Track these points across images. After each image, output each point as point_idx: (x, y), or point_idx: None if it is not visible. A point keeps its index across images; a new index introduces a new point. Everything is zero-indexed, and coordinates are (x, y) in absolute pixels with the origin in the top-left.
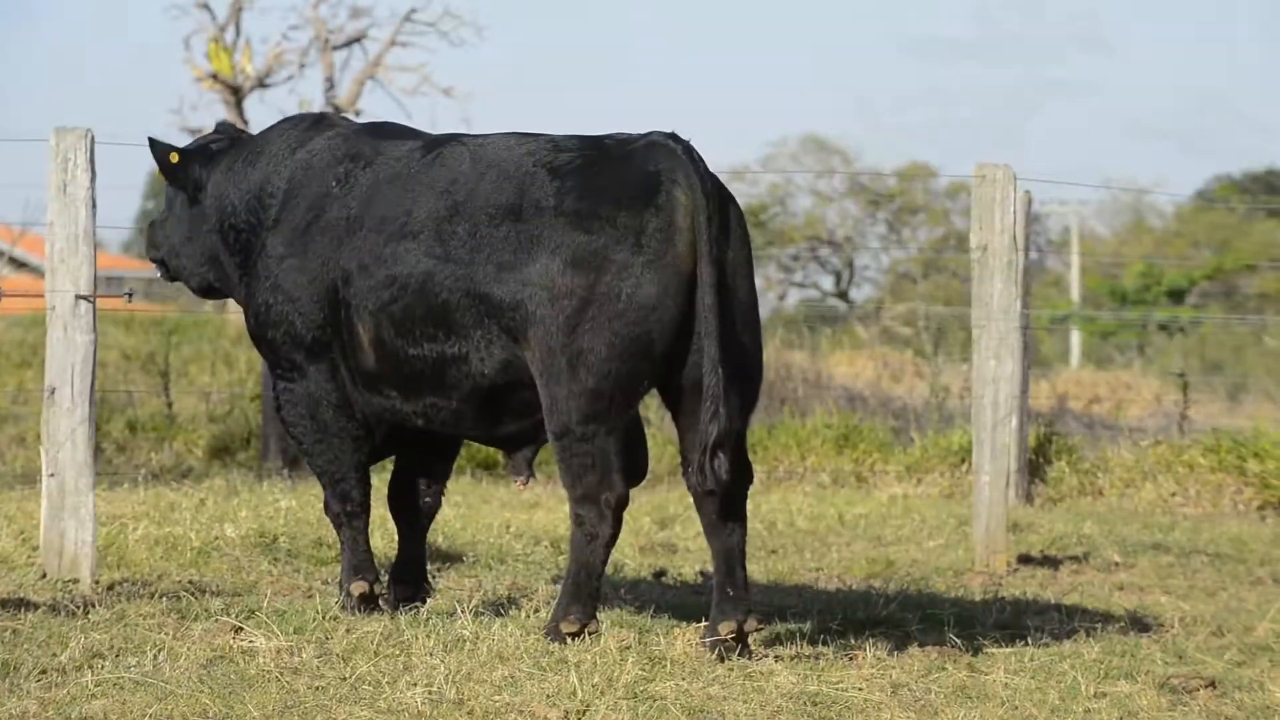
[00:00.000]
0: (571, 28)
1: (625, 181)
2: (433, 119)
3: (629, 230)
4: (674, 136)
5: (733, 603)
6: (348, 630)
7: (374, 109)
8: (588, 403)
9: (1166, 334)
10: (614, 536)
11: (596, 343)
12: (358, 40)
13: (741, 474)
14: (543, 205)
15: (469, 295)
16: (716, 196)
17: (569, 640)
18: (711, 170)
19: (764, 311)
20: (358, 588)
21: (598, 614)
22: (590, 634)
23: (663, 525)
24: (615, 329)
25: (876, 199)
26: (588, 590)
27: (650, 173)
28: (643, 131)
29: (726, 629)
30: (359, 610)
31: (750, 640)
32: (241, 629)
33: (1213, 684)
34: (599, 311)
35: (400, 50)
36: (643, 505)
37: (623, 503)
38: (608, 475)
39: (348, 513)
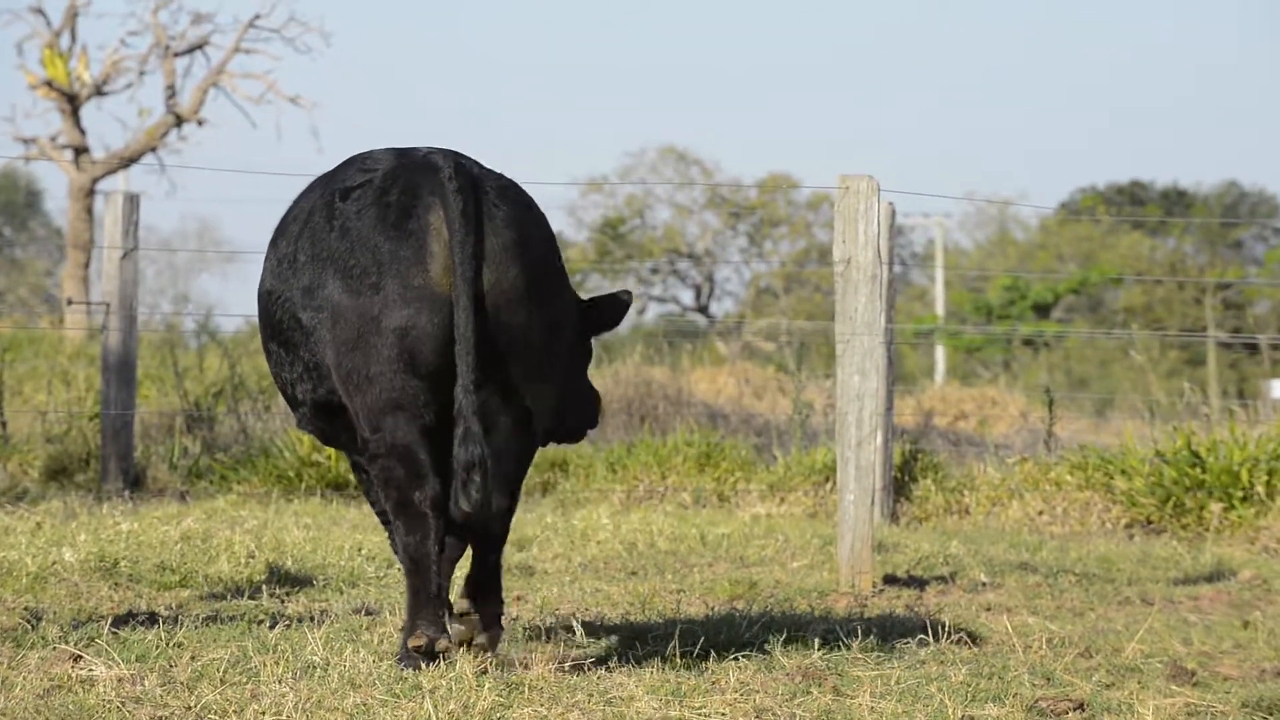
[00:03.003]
0: (423, 33)
1: (385, 205)
2: (278, 128)
3: (384, 254)
4: (444, 154)
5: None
6: (192, 658)
7: (218, 117)
8: (372, 419)
9: (1032, 349)
10: (438, 534)
11: (365, 363)
12: (200, 47)
13: (499, 508)
14: (331, 227)
15: (293, 318)
16: (474, 220)
17: (421, 663)
18: (492, 187)
19: (623, 326)
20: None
21: (448, 629)
22: (441, 650)
23: (520, 547)
24: (379, 352)
25: (737, 211)
26: (426, 599)
27: (409, 196)
28: (427, 148)
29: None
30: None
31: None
32: (81, 657)
33: (1081, 706)
34: (361, 334)
35: (244, 57)
36: None
37: (438, 500)
38: (417, 477)
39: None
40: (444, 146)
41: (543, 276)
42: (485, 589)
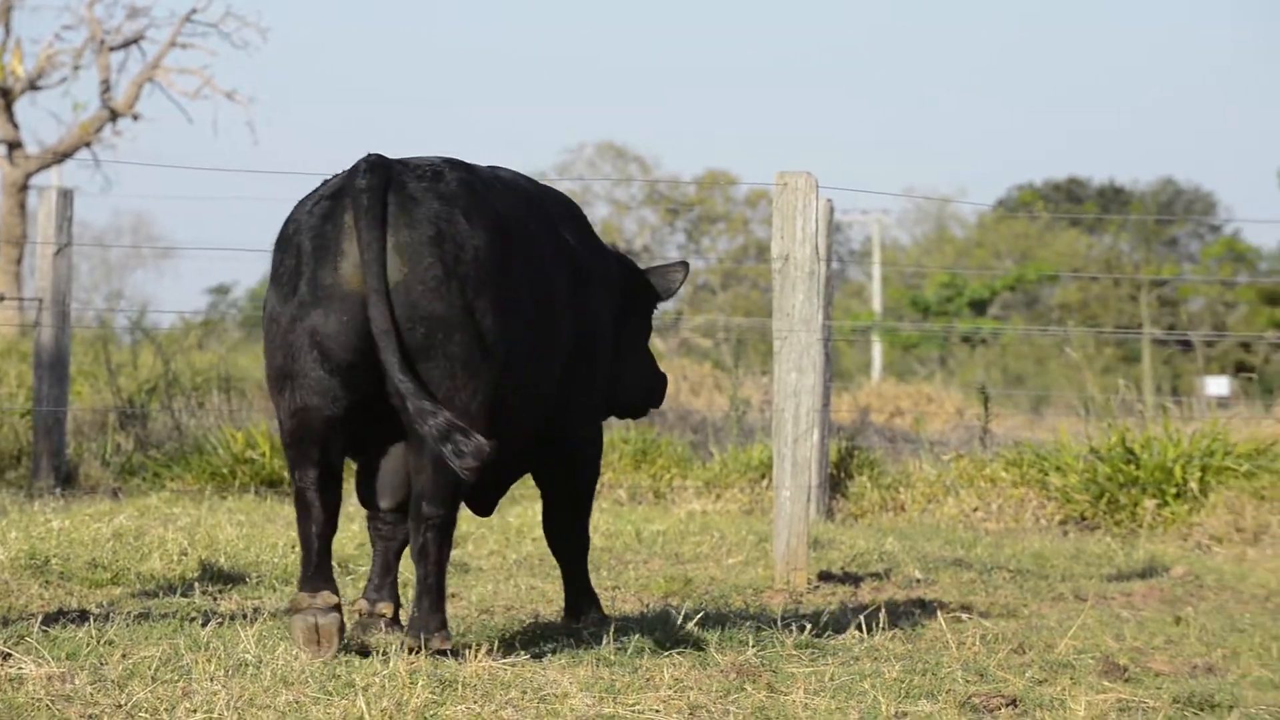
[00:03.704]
0: (361, 27)
1: (310, 209)
2: (215, 123)
3: (305, 256)
4: (369, 156)
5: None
6: (124, 655)
7: (153, 112)
8: (285, 413)
9: (969, 345)
10: (316, 514)
11: (284, 361)
12: (135, 41)
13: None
14: (278, 244)
15: None
16: (379, 216)
17: (299, 625)
18: (422, 183)
19: None
20: None
21: (329, 589)
22: (318, 609)
23: (455, 544)
24: (295, 350)
25: (675, 208)
26: (305, 568)
27: (331, 201)
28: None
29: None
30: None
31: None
32: (9, 655)
33: (1014, 702)
34: (284, 335)
35: (180, 52)
36: None
37: (318, 483)
38: (306, 462)
39: None
40: (446, 155)
41: (471, 264)
42: (421, 608)
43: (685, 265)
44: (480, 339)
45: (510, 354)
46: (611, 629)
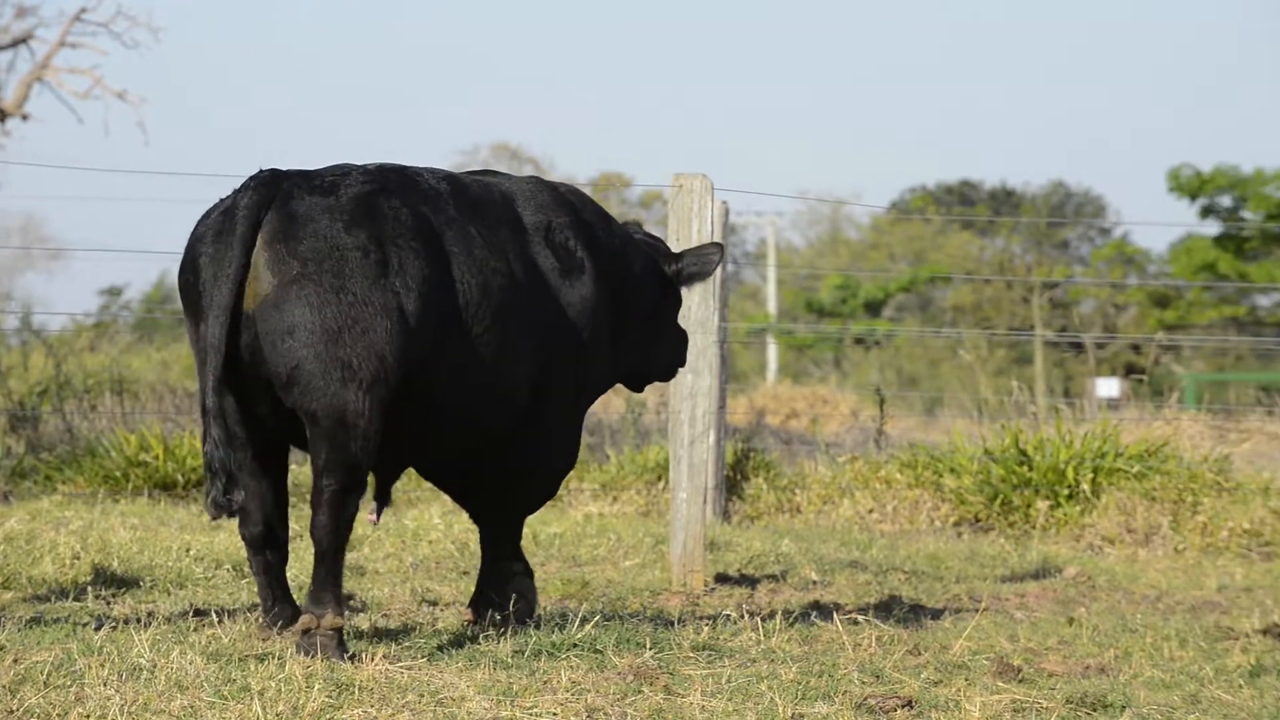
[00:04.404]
0: (254, 28)
1: (207, 222)
2: (106, 123)
3: (198, 271)
4: (257, 175)
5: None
6: (15, 661)
7: (42, 113)
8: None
9: (863, 347)
10: (256, 559)
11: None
12: (24, 41)
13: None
14: None
15: None
16: (246, 237)
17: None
18: (314, 198)
19: None
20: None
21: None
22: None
23: (351, 547)
24: (198, 362)
25: None
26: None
27: (221, 214)
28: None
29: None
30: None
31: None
32: None
33: (909, 703)
34: (195, 349)
35: (70, 52)
36: None
37: (254, 540)
38: (243, 515)
39: None
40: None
41: (351, 275)
42: (317, 579)
43: (719, 247)
44: (369, 343)
45: (413, 353)
46: (509, 631)
